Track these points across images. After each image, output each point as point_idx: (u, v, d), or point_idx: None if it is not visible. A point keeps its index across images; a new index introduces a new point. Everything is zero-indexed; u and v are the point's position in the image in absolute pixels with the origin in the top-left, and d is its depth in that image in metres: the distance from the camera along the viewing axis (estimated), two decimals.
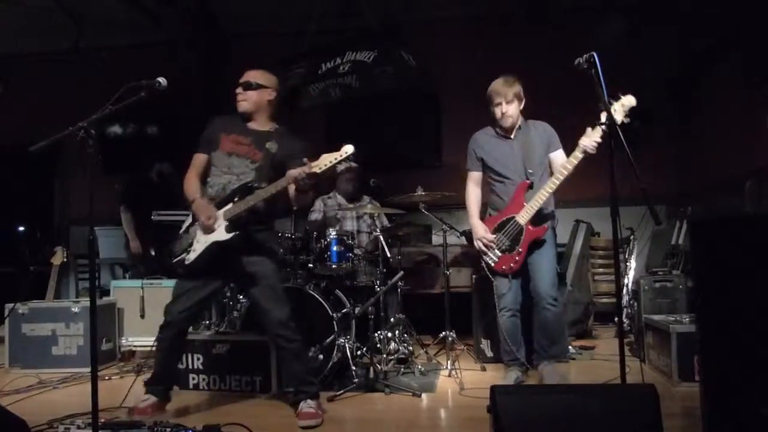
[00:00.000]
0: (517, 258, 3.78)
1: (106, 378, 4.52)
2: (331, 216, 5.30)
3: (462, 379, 4.10)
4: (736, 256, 2.47)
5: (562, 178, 3.61)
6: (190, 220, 3.43)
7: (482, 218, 3.98)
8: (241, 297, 4.62)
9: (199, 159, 3.51)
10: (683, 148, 6.56)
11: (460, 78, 6.78)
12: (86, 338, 4.76)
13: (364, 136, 7.02)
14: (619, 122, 3.04)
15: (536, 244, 3.79)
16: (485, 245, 3.84)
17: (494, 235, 3.83)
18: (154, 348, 3.48)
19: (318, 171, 3.07)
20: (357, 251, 4.65)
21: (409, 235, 5.43)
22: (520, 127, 3.87)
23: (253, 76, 3.46)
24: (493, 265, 3.85)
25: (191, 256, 3.28)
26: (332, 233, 4.44)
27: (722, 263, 2.49)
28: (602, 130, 3.30)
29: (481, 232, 3.87)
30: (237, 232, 3.22)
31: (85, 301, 4.95)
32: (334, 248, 4.39)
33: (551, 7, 6.59)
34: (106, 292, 5.45)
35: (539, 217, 3.77)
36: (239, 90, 3.45)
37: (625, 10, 6.30)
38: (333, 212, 5.30)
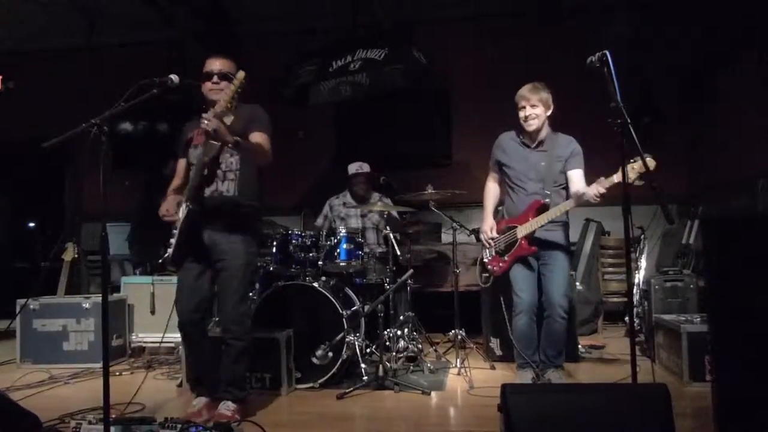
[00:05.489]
0: (501, 264, 3.84)
1: (117, 374, 4.54)
2: (336, 216, 5.31)
3: (471, 377, 4.11)
4: (749, 256, 2.45)
5: (564, 209, 3.65)
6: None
7: (496, 217, 4.01)
8: (251, 294, 4.63)
9: (180, 165, 3.52)
10: (695, 146, 6.52)
11: (470, 76, 6.76)
12: (97, 334, 4.80)
13: (375, 134, 7.03)
14: (629, 181, 3.01)
15: (550, 261, 3.77)
16: (486, 240, 3.92)
17: (497, 236, 3.88)
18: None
19: (220, 110, 3.00)
20: (366, 249, 4.65)
21: (419, 233, 5.43)
22: (542, 140, 3.81)
23: (224, 65, 3.35)
24: (486, 261, 3.94)
25: (170, 251, 3.25)
26: (342, 231, 4.44)
27: (734, 263, 2.47)
28: (615, 179, 3.29)
29: (487, 227, 3.93)
30: (193, 207, 3.15)
31: (96, 297, 4.98)
32: (344, 246, 4.40)
33: (562, 5, 6.56)
34: (117, 289, 5.47)
35: (550, 228, 3.76)
36: (215, 80, 3.32)
37: (637, 9, 6.26)
38: (337, 212, 5.31)
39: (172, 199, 3.32)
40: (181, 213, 3.20)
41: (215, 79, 3.33)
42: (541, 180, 3.78)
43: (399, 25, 6.05)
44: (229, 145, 3.11)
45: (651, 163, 3.04)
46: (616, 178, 3.29)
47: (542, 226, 3.70)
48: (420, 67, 5.57)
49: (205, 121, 3.01)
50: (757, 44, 5.14)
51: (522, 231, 3.74)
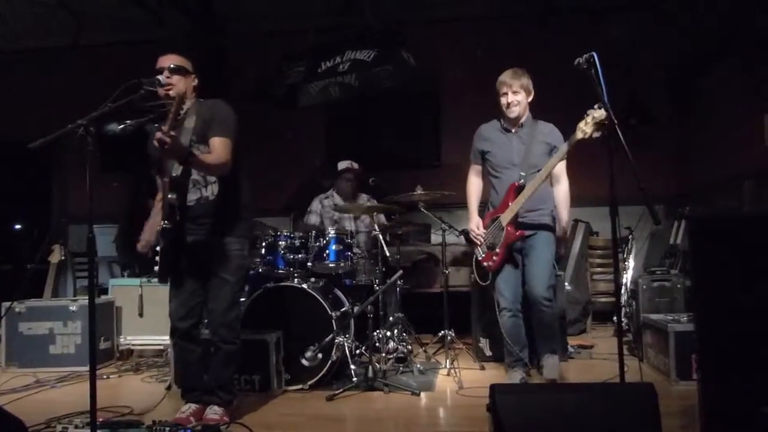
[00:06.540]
0: (494, 258, 3.81)
1: (104, 377, 4.51)
2: (328, 218, 5.30)
3: (461, 378, 4.11)
4: (734, 255, 2.47)
5: (544, 175, 3.60)
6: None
7: (483, 211, 3.99)
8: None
9: (159, 183, 3.32)
10: (682, 148, 6.57)
11: (459, 78, 6.78)
12: (84, 337, 4.75)
13: (364, 136, 7.03)
14: (587, 136, 3.13)
15: (531, 247, 3.78)
16: (475, 237, 3.89)
17: (485, 231, 3.85)
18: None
19: (169, 128, 2.86)
20: (356, 250, 4.65)
21: (408, 234, 5.43)
22: (523, 124, 3.83)
23: (176, 60, 3.26)
24: (480, 258, 3.90)
25: (157, 269, 3.18)
26: (331, 232, 4.43)
27: (720, 262, 2.49)
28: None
29: (473, 224, 3.91)
30: (168, 226, 3.07)
31: (83, 300, 4.94)
32: (333, 247, 4.38)
33: (552, 7, 6.59)
34: (105, 291, 5.43)
35: (532, 216, 3.77)
36: (166, 74, 3.19)
37: (625, 10, 6.31)
38: (330, 214, 5.30)
39: (149, 228, 3.27)
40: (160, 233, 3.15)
41: (166, 74, 3.20)
42: (518, 164, 3.78)
43: (388, 26, 6.05)
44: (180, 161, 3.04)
45: (600, 113, 3.04)
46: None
47: (523, 206, 3.67)
48: (409, 69, 5.58)
49: (158, 139, 2.84)
50: (744, 46, 5.19)
51: (505, 217, 3.73)
